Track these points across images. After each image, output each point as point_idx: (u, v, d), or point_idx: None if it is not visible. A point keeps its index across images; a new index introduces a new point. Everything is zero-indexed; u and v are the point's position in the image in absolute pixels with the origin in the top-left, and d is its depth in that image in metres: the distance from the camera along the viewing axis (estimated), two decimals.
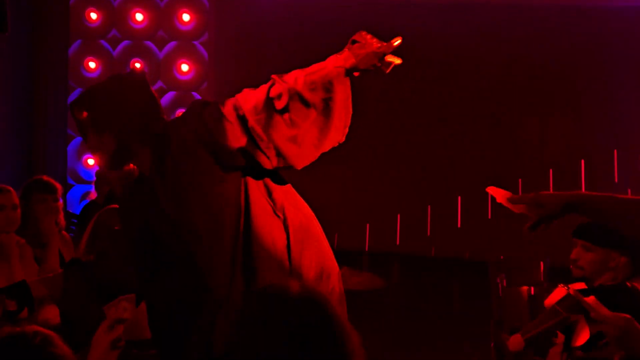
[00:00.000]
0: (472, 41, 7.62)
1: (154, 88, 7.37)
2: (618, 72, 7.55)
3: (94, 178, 6.73)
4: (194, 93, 8.06)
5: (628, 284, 3.26)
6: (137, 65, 8.02)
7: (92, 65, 8.16)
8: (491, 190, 2.15)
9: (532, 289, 4.87)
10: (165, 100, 8.08)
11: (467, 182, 7.61)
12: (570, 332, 3.25)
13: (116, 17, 8.09)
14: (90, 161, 8.20)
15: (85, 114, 2.76)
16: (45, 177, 4.15)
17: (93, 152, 2.96)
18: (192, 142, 2.80)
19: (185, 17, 7.98)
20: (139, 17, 8.03)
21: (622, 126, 7.53)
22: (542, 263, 5.44)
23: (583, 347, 3.18)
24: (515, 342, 3.23)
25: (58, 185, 4.15)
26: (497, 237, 6.92)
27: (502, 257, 5.52)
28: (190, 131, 2.81)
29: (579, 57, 7.57)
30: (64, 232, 4.34)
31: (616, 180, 7.49)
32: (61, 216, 4.14)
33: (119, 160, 2.84)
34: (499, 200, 2.12)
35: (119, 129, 2.78)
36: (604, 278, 3.24)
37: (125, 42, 8.12)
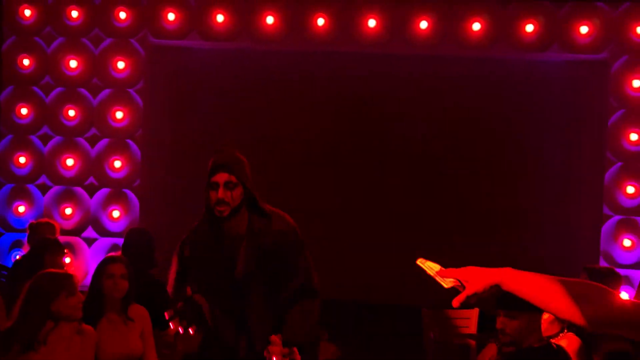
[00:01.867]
0: (397, 91, 7.86)
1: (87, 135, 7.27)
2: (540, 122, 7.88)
3: (26, 226, 6.63)
4: (128, 140, 8.03)
5: (553, 344, 3.39)
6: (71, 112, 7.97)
7: (24, 111, 8.07)
8: (421, 262, 2.20)
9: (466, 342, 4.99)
10: (100, 146, 8.03)
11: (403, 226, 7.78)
12: None
13: (49, 62, 8.02)
14: (21, 208, 8.07)
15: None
16: None
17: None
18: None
19: (120, 64, 7.96)
20: (73, 63, 7.98)
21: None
22: (476, 314, 5.57)
23: None
24: None
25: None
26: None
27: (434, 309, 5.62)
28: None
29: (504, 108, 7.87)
30: None
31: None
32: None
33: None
34: (429, 273, 2.17)
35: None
36: (530, 340, 3.35)
37: (58, 89, 8.05)
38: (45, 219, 6.74)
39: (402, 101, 7.98)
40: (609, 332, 1.99)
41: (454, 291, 2.15)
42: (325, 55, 8.10)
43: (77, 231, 8.02)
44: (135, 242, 5.13)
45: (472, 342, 5.02)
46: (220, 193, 3.47)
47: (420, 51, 7.92)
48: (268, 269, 3.59)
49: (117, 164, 8.01)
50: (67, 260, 7.71)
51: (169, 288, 5.26)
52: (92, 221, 8.03)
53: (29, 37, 8.07)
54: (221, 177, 3.50)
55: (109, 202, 8.05)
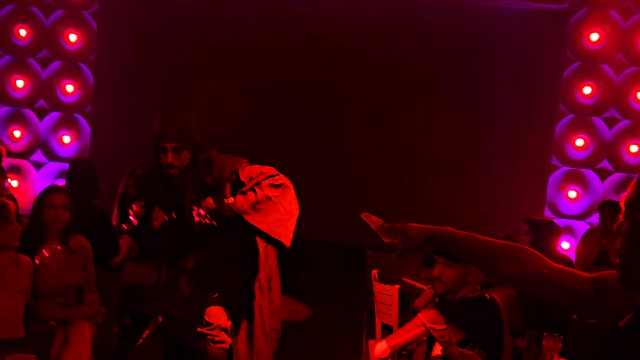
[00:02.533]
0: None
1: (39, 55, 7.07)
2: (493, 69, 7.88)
3: None
4: (80, 64, 7.86)
5: (487, 295, 3.47)
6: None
7: None
8: (365, 217, 2.23)
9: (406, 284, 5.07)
10: (52, 68, 7.85)
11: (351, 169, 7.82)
12: (431, 341, 3.44)
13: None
14: None
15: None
16: None
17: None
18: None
19: (72, 37, 7.75)
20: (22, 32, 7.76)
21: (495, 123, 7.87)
22: (420, 259, 5.63)
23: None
24: (380, 349, 3.39)
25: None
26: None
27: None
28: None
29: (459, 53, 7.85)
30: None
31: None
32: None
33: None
34: (373, 226, 2.21)
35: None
36: (464, 291, 3.42)
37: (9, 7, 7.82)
38: None
39: (355, 46, 7.90)
40: (536, 295, 2.06)
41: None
42: None
43: (25, 154, 7.90)
44: (80, 171, 5.05)
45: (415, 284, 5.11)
46: (170, 158, 3.70)
47: None
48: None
49: (69, 88, 7.85)
50: (14, 183, 7.62)
51: (114, 218, 5.25)
52: (42, 145, 7.90)
53: None
54: (169, 144, 3.70)
55: (59, 126, 7.91)
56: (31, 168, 7.90)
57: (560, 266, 2.02)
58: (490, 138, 7.86)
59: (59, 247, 4.07)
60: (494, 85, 7.86)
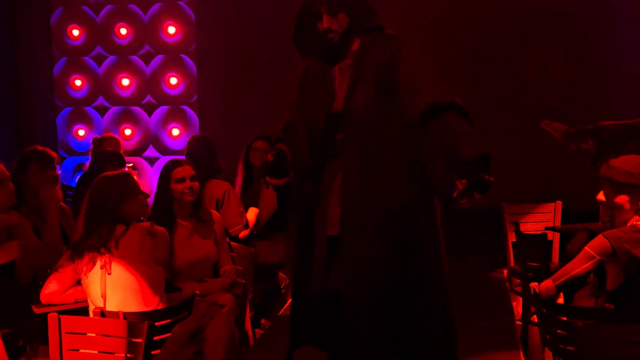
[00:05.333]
0: None
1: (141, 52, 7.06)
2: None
3: (90, 146, 6.55)
4: (182, 55, 7.85)
5: None
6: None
7: (75, 33, 7.93)
8: (545, 125, 2.00)
9: (548, 233, 4.75)
10: (155, 62, 7.87)
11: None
12: (602, 274, 3.13)
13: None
14: (81, 132, 8.02)
15: None
16: (39, 147, 3.97)
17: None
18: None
19: (171, 29, 7.75)
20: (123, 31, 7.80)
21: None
22: (559, 206, 5.33)
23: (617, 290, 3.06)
24: (546, 288, 3.12)
25: (54, 154, 3.98)
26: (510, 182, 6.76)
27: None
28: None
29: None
30: (62, 204, 4.17)
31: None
32: (58, 187, 3.98)
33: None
34: (556, 135, 1.97)
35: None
36: (635, 218, 3.10)
37: (109, 6, 7.88)
38: (109, 133, 6.65)
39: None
40: None
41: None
42: None
43: (138, 151, 7.94)
44: (198, 149, 4.96)
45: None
46: (325, 21, 3.20)
47: None
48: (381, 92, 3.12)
49: (173, 80, 7.85)
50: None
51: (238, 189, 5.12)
52: (153, 140, 7.93)
53: None
54: (321, 5, 3.22)
55: (167, 119, 7.93)
56: (145, 164, 7.94)
57: None
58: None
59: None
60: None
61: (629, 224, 3.08)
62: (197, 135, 5.58)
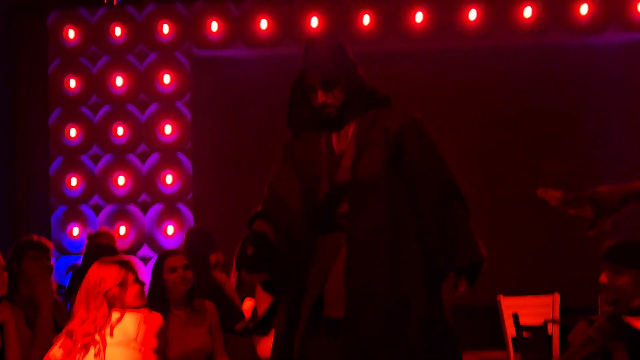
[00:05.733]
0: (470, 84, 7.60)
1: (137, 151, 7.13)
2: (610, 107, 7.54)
3: (84, 244, 6.51)
4: (178, 154, 7.92)
5: None
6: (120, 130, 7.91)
7: (72, 132, 8.02)
8: (541, 192, 1.99)
9: (548, 326, 4.69)
10: (150, 161, 7.93)
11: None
12: (608, 358, 3.07)
13: (96, 81, 7.97)
14: (75, 231, 7.98)
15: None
16: (36, 237, 3.95)
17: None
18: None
19: (166, 78, 7.88)
20: (119, 81, 7.92)
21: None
22: (557, 297, 5.29)
23: None
24: None
25: (50, 244, 3.96)
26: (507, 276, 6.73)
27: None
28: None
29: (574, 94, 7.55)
30: (55, 296, 4.12)
31: None
32: (52, 278, 3.94)
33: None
34: (552, 203, 1.97)
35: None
36: (638, 301, 3.07)
37: (106, 107, 7.99)
38: (104, 228, 6.62)
39: (450, 94, 7.73)
40: None
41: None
42: (371, 55, 7.90)
43: (132, 250, 7.89)
44: (193, 240, 4.95)
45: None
46: (320, 96, 3.08)
47: (470, 43, 7.68)
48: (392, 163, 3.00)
49: (169, 178, 7.89)
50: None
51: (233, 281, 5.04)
52: (147, 239, 7.90)
53: (75, 58, 8.04)
54: (316, 79, 3.10)
55: (162, 217, 7.92)
56: (140, 264, 7.87)
57: None
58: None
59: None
60: (605, 126, 7.50)
61: (633, 305, 3.04)
62: (193, 227, 5.58)
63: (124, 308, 3.34)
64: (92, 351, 3.24)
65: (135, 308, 3.42)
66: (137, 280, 3.43)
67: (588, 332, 3.01)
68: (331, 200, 3.04)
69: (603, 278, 3.13)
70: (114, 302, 3.33)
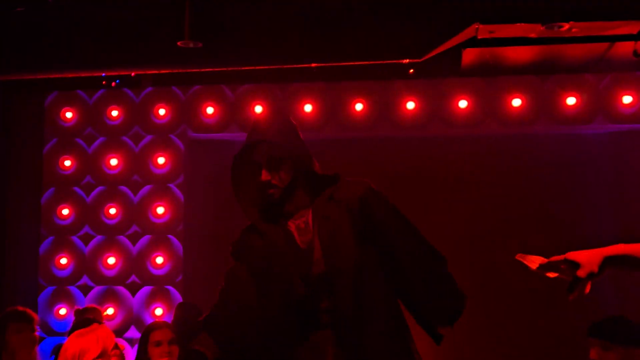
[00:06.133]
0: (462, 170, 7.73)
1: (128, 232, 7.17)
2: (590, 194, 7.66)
3: (69, 327, 6.43)
4: (169, 236, 7.92)
5: None
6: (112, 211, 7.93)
7: (65, 212, 8.03)
8: (521, 257, 2.01)
9: None
10: (142, 243, 7.92)
11: None
12: None
13: (90, 162, 8.05)
14: (62, 311, 7.89)
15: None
16: (20, 308, 3.92)
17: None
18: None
19: (160, 160, 7.96)
20: (114, 162, 8.00)
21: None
22: None
23: None
24: None
25: (35, 316, 3.92)
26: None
27: None
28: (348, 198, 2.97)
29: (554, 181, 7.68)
30: None
31: None
32: (36, 348, 3.89)
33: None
34: (532, 267, 1.98)
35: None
36: None
37: (99, 188, 8.04)
38: (92, 305, 6.56)
39: (442, 183, 7.83)
40: None
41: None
42: (362, 141, 8.04)
43: (119, 332, 7.79)
44: (182, 315, 4.91)
45: None
46: (265, 175, 2.94)
47: (460, 132, 7.83)
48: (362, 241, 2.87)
49: (159, 260, 7.87)
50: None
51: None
52: (135, 320, 7.81)
53: (70, 139, 8.14)
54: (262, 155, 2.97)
55: (151, 300, 7.85)
56: (127, 345, 7.76)
57: None
58: None
59: None
60: (593, 213, 7.58)
61: None
62: (183, 302, 5.54)
63: None
64: None
65: None
66: (116, 346, 3.39)
67: None
68: (311, 299, 2.86)
69: (593, 354, 3.12)
70: None
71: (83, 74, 7.78)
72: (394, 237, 2.91)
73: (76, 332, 3.43)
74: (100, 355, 3.30)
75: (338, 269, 2.86)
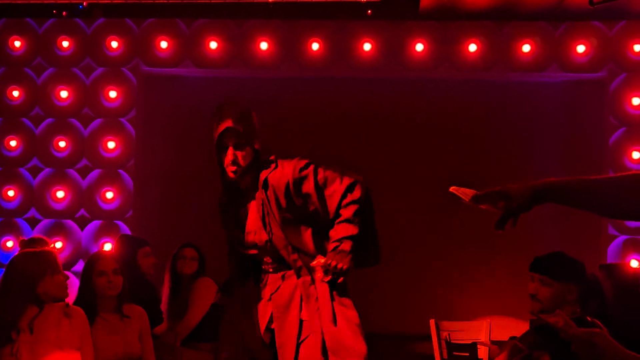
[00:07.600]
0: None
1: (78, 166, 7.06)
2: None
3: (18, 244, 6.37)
4: (120, 171, 7.83)
5: (589, 318, 3.16)
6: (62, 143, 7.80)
7: (12, 143, 7.88)
8: (454, 190, 2.03)
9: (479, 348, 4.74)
10: (91, 177, 7.82)
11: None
12: None
13: (39, 93, 7.88)
14: (9, 244, 7.80)
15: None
16: None
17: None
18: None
19: (112, 93, 7.82)
20: (64, 94, 7.84)
21: None
22: (488, 324, 5.35)
23: None
24: None
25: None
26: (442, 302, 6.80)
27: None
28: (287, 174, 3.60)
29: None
30: None
31: None
32: None
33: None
34: (465, 199, 2.00)
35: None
36: (564, 311, 3.12)
37: (48, 120, 7.89)
38: (38, 235, 6.47)
39: (396, 125, 7.85)
40: None
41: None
42: (319, 81, 8.00)
43: (67, 265, 7.73)
44: (123, 246, 4.91)
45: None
46: (230, 154, 3.61)
47: (416, 75, 7.83)
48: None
49: (109, 195, 7.79)
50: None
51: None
52: (83, 254, 7.75)
53: (19, 68, 7.94)
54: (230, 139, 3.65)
55: (100, 234, 7.79)
56: (75, 280, 7.72)
57: None
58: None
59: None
60: (541, 159, 7.69)
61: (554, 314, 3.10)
62: (124, 233, 5.52)
63: (43, 301, 3.26)
64: (9, 350, 3.14)
65: (55, 301, 3.35)
66: (59, 270, 3.36)
67: (514, 342, 3.06)
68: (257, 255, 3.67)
69: (531, 288, 3.19)
70: (33, 295, 3.24)
71: (33, 1, 7.56)
72: (318, 202, 3.57)
73: (22, 251, 3.40)
74: (43, 273, 3.27)
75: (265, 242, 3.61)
